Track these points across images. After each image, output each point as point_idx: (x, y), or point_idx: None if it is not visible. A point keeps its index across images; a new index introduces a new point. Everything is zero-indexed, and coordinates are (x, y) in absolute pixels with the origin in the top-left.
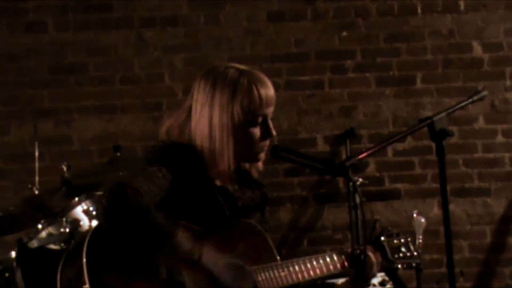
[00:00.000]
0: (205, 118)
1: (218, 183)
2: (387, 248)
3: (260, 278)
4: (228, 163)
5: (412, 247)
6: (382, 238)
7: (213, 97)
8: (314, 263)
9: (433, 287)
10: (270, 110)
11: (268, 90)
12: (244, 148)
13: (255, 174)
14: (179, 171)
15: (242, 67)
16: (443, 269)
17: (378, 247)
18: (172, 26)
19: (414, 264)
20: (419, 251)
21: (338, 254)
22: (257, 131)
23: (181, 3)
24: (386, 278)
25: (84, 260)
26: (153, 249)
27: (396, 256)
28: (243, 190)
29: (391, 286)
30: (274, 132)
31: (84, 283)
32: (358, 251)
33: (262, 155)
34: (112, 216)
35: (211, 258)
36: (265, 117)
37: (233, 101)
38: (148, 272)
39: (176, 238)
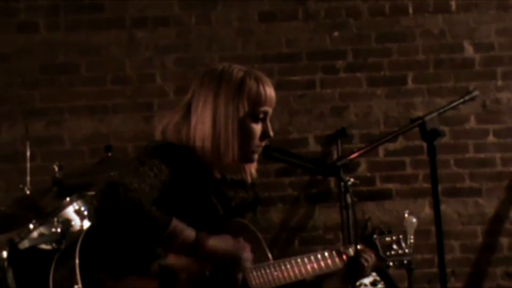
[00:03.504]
0: (208, 111)
1: (218, 176)
2: (379, 246)
3: (252, 278)
4: (233, 154)
5: (403, 244)
6: (374, 236)
7: (219, 90)
8: (307, 262)
9: (425, 287)
10: (270, 110)
11: (271, 90)
12: (245, 143)
13: (248, 179)
14: (171, 171)
15: (244, 67)
16: (435, 269)
17: (371, 245)
18: (163, 26)
19: (405, 262)
20: (411, 249)
21: (330, 252)
22: (258, 128)
23: (173, 3)
24: (378, 278)
25: (77, 261)
26: (150, 240)
27: (388, 253)
28: (237, 190)
29: (383, 286)
30: (272, 133)
31: (76, 284)
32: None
33: (255, 157)
34: (105, 215)
35: (209, 241)
36: (265, 115)
37: (239, 94)
38: (140, 270)
39: (172, 227)
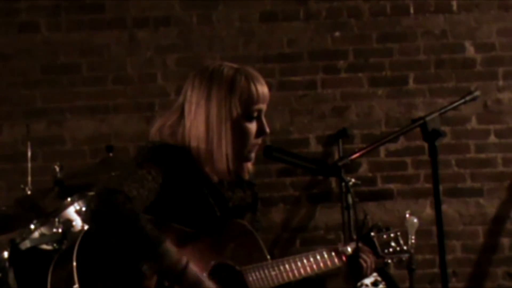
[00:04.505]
0: (201, 113)
1: (215, 178)
2: (377, 244)
3: (251, 278)
4: (227, 159)
5: (401, 241)
6: (372, 233)
7: (210, 92)
8: (305, 261)
9: (426, 287)
10: (264, 107)
11: (264, 87)
12: (240, 143)
13: (246, 176)
14: (168, 172)
15: (235, 65)
16: (436, 270)
17: (368, 243)
18: (164, 26)
19: (404, 259)
20: (412, 249)
21: (328, 251)
22: (253, 127)
23: (174, 3)
24: (379, 279)
25: (74, 263)
26: (139, 256)
27: (386, 251)
28: (234, 190)
29: (384, 286)
30: (267, 129)
31: (74, 284)
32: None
33: (253, 155)
34: (100, 221)
35: (195, 273)
36: (260, 113)
37: (231, 95)
38: (138, 276)
39: (162, 248)
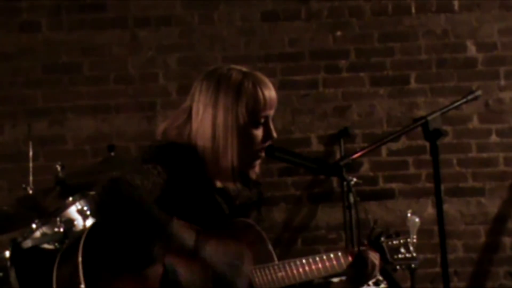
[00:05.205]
0: (208, 120)
1: (218, 183)
2: (386, 249)
3: (256, 278)
4: (232, 162)
5: (411, 248)
6: (382, 238)
7: (217, 98)
8: (312, 263)
9: (427, 286)
10: (272, 112)
11: (271, 92)
12: (246, 148)
13: (253, 175)
14: (175, 170)
15: (243, 69)
16: (437, 269)
17: (377, 248)
18: (166, 26)
19: (413, 265)
20: (413, 249)
21: (335, 253)
22: (259, 132)
23: (175, 3)
24: (380, 278)
25: (80, 259)
26: (149, 240)
27: (395, 257)
28: (241, 189)
29: (386, 286)
30: (274, 134)
31: (80, 282)
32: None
33: (259, 161)
34: (106, 210)
35: (208, 247)
36: (267, 119)
37: (238, 102)
38: (144, 270)
39: (172, 228)
